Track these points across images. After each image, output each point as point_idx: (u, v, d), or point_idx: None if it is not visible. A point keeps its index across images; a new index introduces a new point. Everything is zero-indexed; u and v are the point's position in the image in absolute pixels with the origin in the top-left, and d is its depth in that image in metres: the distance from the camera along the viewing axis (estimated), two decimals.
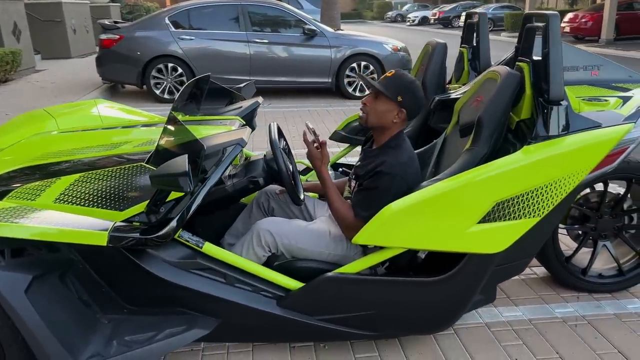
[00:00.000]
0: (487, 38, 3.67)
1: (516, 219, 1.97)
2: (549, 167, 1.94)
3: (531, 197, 1.95)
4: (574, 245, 2.91)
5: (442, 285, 2.07)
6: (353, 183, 2.24)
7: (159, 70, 7.96)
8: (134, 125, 2.80)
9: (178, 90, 8.00)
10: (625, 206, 2.74)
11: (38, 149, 2.50)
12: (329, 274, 2.05)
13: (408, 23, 34.81)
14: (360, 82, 8.38)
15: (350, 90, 8.40)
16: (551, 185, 1.95)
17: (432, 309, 2.15)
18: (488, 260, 2.06)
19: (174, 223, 1.90)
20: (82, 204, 2.03)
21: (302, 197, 2.27)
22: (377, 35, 9.06)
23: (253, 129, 2.95)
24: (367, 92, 8.37)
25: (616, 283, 2.80)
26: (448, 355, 2.30)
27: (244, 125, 2.72)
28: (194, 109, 2.78)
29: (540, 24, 2.16)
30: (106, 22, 8.34)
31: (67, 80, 9.54)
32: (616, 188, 2.75)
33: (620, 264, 2.79)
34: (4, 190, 2.13)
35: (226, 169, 2.03)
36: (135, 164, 2.23)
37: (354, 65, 8.31)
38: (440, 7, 33.02)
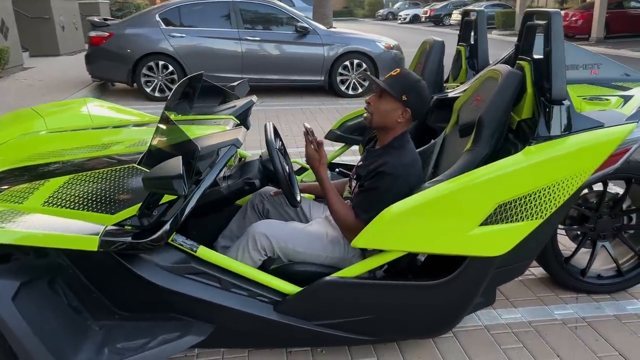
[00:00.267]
0: (485, 36, 3.62)
1: (518, 221, 1.93)
2: (552, 168, 1.90)
3: (534, 198, 1.91)
4: (572, 245, 2.89)
5: (443, 288, 2.03)
6: (354, 183, 2.19)
7: (150, 68, 7.86)
8: (125, 125, 2.73)
9: (169, 89, 7.91)
10: (624, 206, 2.71)
11: (26, 150, 2.42)
12: (327, 278, 1.99)
13: (399, 21, 34.79)
14: (354, 80, 8.33)
15: (343, 88, 8.35)
16: (554, 186, 1.91)
17: (432, 313, 2.10)
18: (489, 263, 2.02)
19: (167, 226, 1.84)
20: (71, 207, 1.96)
21: (298, 198, 2.22)
22: (369, 33, 9.01)
23: (247, 128, 2.89)
24: (360, 90, 8.38)
25: (615, 284, 2.78)
26: (447, 358, 2.26)
27: (238, 124, 2.66)
28: (186, 108, 2.72)
29: (542, 22, 2.11)
30: (95, 19, 8.22)
31: (55, 78, 9.40)
32: (609, 188, 2.71)
33: (619, 265, 2.77)
34: None
35: (221, 170, 1.98)
36: (126, 166, 2.17)
37: (347, 63, 8.25)
38: (431, 5, 33.02)
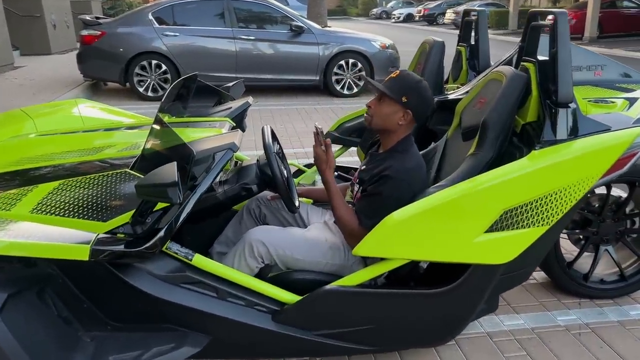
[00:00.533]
0: (486, 37, 3.56)
1: (524, 227, 1.87)
2: (558, 173, 1.85)
3: (540, 204, 1.85)
4: (573, 248, 2.84)
5: (446, 296, 1.97)
6: (356, 188, 2.12)
7: (143, 68, 7.75)
8: (118, 128, 2.66)
9: (162, 88, 7.81)
10: (627, 210, 2.67)
11: (14, 154, 2.34)
12: (327, 287, 1.93)
13: (393, 20, 34.75)
14: (350, 79, 8.26)
15: (338, 88, 8.28)
16: (561, 192, 1.86)
17: (435, 322, 2.04)
18: (494, 270, 1.97)
19: (161, 234, 1.77)
20: (61, 214, 1.88)
21: (297, 204, 2.15)
22: (364, 32, 8.95)
23: (243, 130, 2.82)
24: (355, 90, 8.32)
25: (618, 289, 2.73)
26: None
27: (234, 127, 2.59)
28: (181, 110, 2.64)
29: (547, 22, 2.06)
30: (87, 17, 8.10)
31: (47, 77, 9.27)
32: (611, 191, 2.67)
33: (622, 269, 2.72)
34: None
35: (217, 175, 1.91)
36: (119, 171, 2.09)
37: (342, 62, 8.19)
38: (425, 5, 32.99)
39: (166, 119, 2.34)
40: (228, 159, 1.94)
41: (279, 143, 2.28)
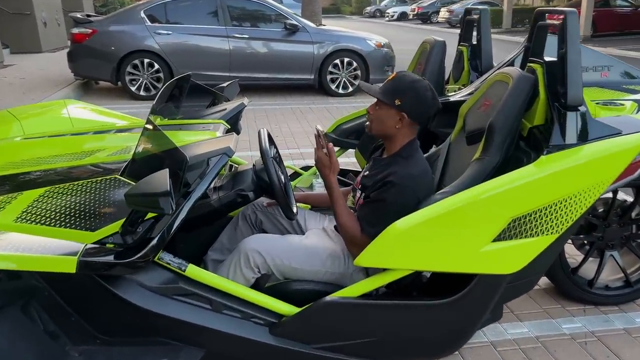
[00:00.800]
0: (489, 36, 3.48)
1: (533, 236, 1.79)
2: (569, 179, 1.77)
3: (549, 212, 1.78)
4: (576, 253, 2.78)
5: (451, 307, 1.89)
6: (358, 194, 2.04)
7: (135, 66, 7.63)
8: (108, 130, 2.56)
9: (155, 87, 7.69)
10: (633, 214, 2.60)
11: None
12: (328, 298, 1.84)
13: (387, 18, 34.67)
14: (345, 79, 8.17)
15: (333, 87, 8.19)
16: (571, 198, 1.78)
17: (439, 333, 1.97)
18: (500, 280, 1.89)
19: (153, 244, 1.68)
20: (47, 223, 1.78)
21: (295, 210, 2.06)
22: (358, 31, 8.87)
23: (238, 132, 2.73)
24: (350, 89, 8.24)
25: (624, 295, 2.67)
26: None
27: (229, 130, 2.50)
28: (173, 112, 2.55)
29: (555, 22, 1.98)
30: (78, 15, 7.96)
31: (37, 75, 9.12)
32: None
33: (627, 275, 2.66)
34: None
35: (211, 182, 1.82)
36: (108, 177, 2.00)
37: (337, 61, 8.10)
38: (419, 3, 32.93)
39: (158, 121, 2.25)
40: (223, 165, 1.86)
41: (275, 147, 2.19)
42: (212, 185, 2.11)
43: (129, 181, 1.97)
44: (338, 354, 1.91)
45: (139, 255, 1.67)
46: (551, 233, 1.81)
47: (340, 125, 3.33)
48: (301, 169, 3.37)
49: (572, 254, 2.84)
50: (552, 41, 2.18)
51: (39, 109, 3.05)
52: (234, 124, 2.71)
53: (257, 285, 1.99)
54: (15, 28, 12.02)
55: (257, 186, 2.04)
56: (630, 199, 2.63)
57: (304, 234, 2.23)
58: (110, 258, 1.68)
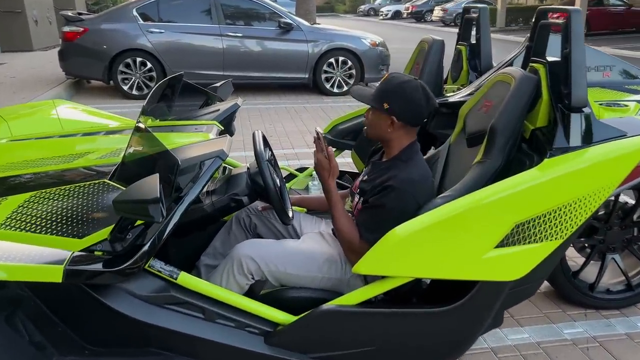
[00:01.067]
0: (488, 35, 3.42)
1: (537, 242, 1.74)
2: (574, 182, 1.72)
3: (554, 217, 1.72)
4: (575, 255, 2.73)
5: (452, 315, 1.83)
6: (356, 198, 1.97)
7: (127, 65, 7.53)
8: (97, 132, 2.48)
9: (147, 86, 7.59)
10: (634, 217, 2.56)
11: None
12: (325, 306, 1.78)
13: (381, 17, 34.62)
14: (339, 78, 8.11)
15: (328, 86, 8.13)
16: (576, 203, 1.73)
17: (440, 341, 1.91)
18: (503, 286, 1.84)
19: (144, 251, 1.62)
20: (32, 230, 1.71)
21: (290, 214, 2.00)
22: (353, 30, 8.81)
23: (231, 134, 2.66)
24: (345, 88, 8.18)
25: (625, 299, 2.63)
26: None
27: (222, 131, 2.43)
28: (165, 112, 2.48)
29: (558, 21, 1.93)
30: (69, 13, 7.85)
31: (28, 74, 9.00)
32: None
33: (629, 279, 2.61)
34: None
35: (204, 186, 1.75)
36: (97, 181, 1.92)
37: (332, 60, 8.03)
38: (413, 2, 32.91)
39: (149, 122, 2.18)
40: (216, 168, 1.79)
41: (270, 149, 2.12)
42: (205, 190, 2.04)
43: (119, 186, 1.90)
44: None
45: (128, 263, 1.61)
46: (555, 239, 1.75)
47: (336, 125, 3.27)
48: (296, 170, 3.31)
49: (571, 256, 2.80)
50: (551, 40, 2.14)
51: (27, 109, 2.97)
52: (227, 125, 2.63)
53: (251, 293, 1.93)
54: (6, 26, 11.88)
55: (252, 190, 1.97)
56: (631, 201, 2.58)
57: (299, 238, 2.17)
58: (98, 266, 1.61)
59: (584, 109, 1.83)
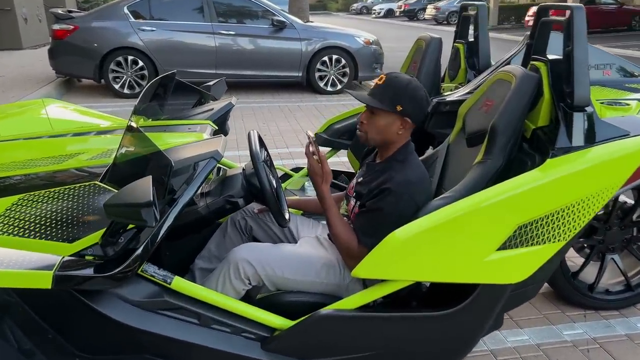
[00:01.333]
0: (486, 33, 3.38)
1: (539, 244, 1.70)
2: (578, 183, 1.68)
3: (557, 218, 1.69)
4: (574, 255, 2.70)
5: (453, 318, 1.79)
6: (353, 202, 1.93)
7: (118, 64, 7.44)
8: (88, 132, 2.42)
9: (139, 85, 7.51)
10: (634, 217, 2.53)
11: None
12: (324, 311, 1.74)
13: (373, 15, 34.62)
14: (333, 76, 8.06)
15: (321, 84, 8.08)
16: (579, 204, 1.69)
17: (440, 345, 1.87)
18: (504, 289, 1.80)
19: (136, 255, 1.56)
20: (20, 234, 1.65)
21: (287, 216, 1.95)
22: (347, 28, 8.76)
23: (225, 133, 2.61)
24: (339, 86, 8.12)
25: (624, 299, 2.60)
26: None
27: (216, 131, 2.38)
28: (157, 112, 2.42)
29: (560, 18, 1.89)
30: (59, 11, 7.75)
31: (17, 73, 8.88)
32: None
33: (628, 279, 2.59)
34: None
35: (198, 188, 1.70)
36: (87, 183, 1.86)
37: (325, 58, 7.98)
38: (406, 0, 32.93)
39: (141, 122, 2.12)
40: (211, 169, 1.74)
41: (266, 149, 2.07)
42: (199, 191, 1.99)
43: (110, 188, 1.84)
44: None
45: (120, 267, 1.55)
46: (558, 240, 1.72)
47: (332, 125, 3.22)
48: (292, 170, 3.26)
49: (570, 257, 2.77)
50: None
51: (15, 108, 2.90)
52: (221, 124, 2.58)
53: (247, 297, 1.88)
54: None
55: (247, 192, 1.92)
56: (630, 201, 2.56)
57: (296, 241, 2.12)
58: (89, 271, 1.55)
59: (586, 108, 1.80)
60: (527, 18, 19.26)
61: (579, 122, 1.78)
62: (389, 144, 1.86)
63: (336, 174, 3.10)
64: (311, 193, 3.00)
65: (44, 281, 1.49)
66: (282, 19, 7.94)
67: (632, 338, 2.40)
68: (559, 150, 1.76)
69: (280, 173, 3.26)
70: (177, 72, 2.52)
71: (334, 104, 7.39)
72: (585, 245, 2.61)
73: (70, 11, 7.95)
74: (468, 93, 2.73)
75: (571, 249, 2.67)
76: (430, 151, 2.34)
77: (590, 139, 1.78)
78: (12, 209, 1.75)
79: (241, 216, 2.20)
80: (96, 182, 1.87)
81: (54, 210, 1.75)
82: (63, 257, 1.57)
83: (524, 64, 2.13)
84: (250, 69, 7.86)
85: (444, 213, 1.64)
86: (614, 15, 18.67)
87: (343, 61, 8.04)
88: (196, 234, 2.09)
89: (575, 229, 1.73)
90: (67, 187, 1.85)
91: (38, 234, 1.66)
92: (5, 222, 1.69)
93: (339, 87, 8.11)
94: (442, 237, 1.64)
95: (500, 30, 19.80)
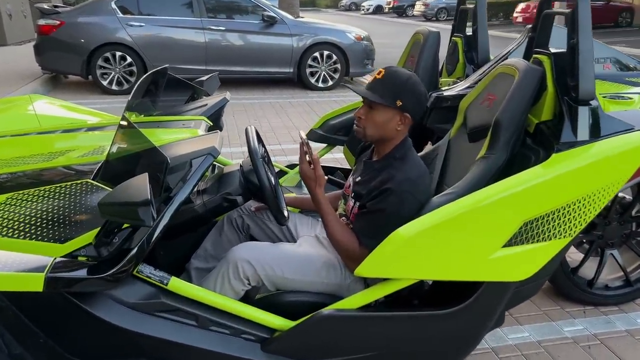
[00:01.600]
0: (485, 27, 3.34)
1: (545, 240, 1.67)
2: (584, 178, 1.65)
3: (563, 214, 1.66)
4: (572, 251, 2.69)
5: (457, 317, 1.76)
6: (351, 202, 1.88)
7: (106, 60, 7.32)
8: (78, 129, 2.35)
9: (127, 81, 7.40)
10: (633, 212, 2.52)
11: None
12: (325, 311, 1.69)
13: (362, 11, 34.54)
14: (325, 72, 8.00)
15: (312, 80, 8.02)
16: (585, 199, 1.66)
17: (443, 344, 1.83)
18: (509, 286, 1.77)
19: (131, 256, 1.51)
20: (9, 235, 1.59)
21: (286, 214, 1.90)
22: (338, 24, 8.70)
23: (220, 130, 2.55)
24: (330, 82, 8.06)
25: (624, 295, 2.59)
26: None
27: (211, 127, 2.33)
28: (149, 108, 2.35)
29: (564, 10, 1.85)
30: (45, 6, 7.60)
31: (2, 69, 8.72)
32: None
33: (627, 274, 2.58)
34: None
35: (195, 185, 1.64)
36: (79, 181, 1.80)
37: (317, 54, 7.92)
38: None
39: (133, 118, 2.06)
40: (208, 166, 1.68)
41: (264, 146, 2.01)
42: (195, 189, 1.93)
43: (103, 186, 1.78)
44: None
45: (115, 268, 1.50)
46: (564, 236, 1.69)
47: (327, 120, 3.16)
48: (287, 167, 3.20)
49: (568, 252, 2.75)
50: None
51: (1, 105, 2.82)
52: (215, 120, 2.53)
53: (246, 298, 1.83)
54: None
55: (246, 189, 1.87)
56: (629, 196, 2.54)
57: (295, 240, 2.07)
58: (82, 272, 1.50)
59: (591, 102, 1.77)
60: (515, 14, 19.32)
61: (584, 116, 1.75)
62: (386, 140, 1.81)
63: (332, 170, 3.05)
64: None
65: (35, 284, 1.43)
66: (272, 14, 7.86)
67: (633, 334, 2.39)
68: (563, 145, 1.73)
69: (275, 170, 3.20)
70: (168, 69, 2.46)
71: (325, 100, 7.34)
72: (585, 240, 2.59)
73: (56, 6, 7.81)
74: (468, 87, 2.70)
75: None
76: (429, 147, 2.29)
77: (596, 133, 1.75)
78: (1, 208, 1.68)
79: (238, 214, 2.15)
80: (88, 180, 1.80)
81: (44, 209, 1.68)
82: (55, 258, 1.51)
83: (526, 57, 2.10)
84: (240, 65, 7.77)
85: (449, 210, 1.60)
86: (600, 11, 18.76)
87: (334, 57, 7.98)
88: (192, 232, 2.03)
89: (581, 224, 1.70)
90: (58, 185, 1.79)
91: (28, 235, 1.59)
92: None
93: (330, 83, 8.05)
94: (447, 235, 1.60)
95: (488, 27, 19.80)
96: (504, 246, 1.64)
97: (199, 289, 1.69)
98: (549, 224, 1.65)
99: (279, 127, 5.84)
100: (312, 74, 8.02)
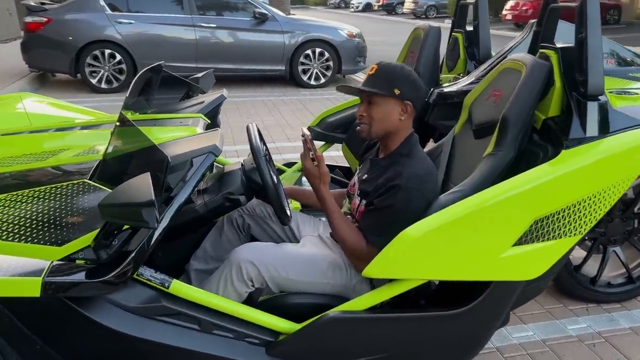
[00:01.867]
0: (486, 22, 3.30)
1: (555, 238, 1.64)
2: (596, 174, 1.62)
3: (574, 211, 1.62)
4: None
5: (465, 317, 1.72)
6: (357, 200, 1.84)
7: (95, 58, 7.20)
8: (71, 127, 2.28)
9: (117, 80, 7.29)
10: (635, 209, 2.50)
11: None
12: (331, 313, 1.64)
13: (352, 9, 34.49)
14: (317, 69, 7.94)
15: (305, 78, 7.96)
16: (596, 196, 1.63)
17: (450, 345, 1.80)
18: (517, 285, 1.74)
19: (132, 258, 1.45)
20: (4, 238, 1.52)
21: (289, 213, 1.85)
22: (329, 21, 8.66)
23: (217, 127, 2.49)
24: (322, 80, 8.01)
25: (626, 292, 2.58)
26: None
27: (209, 124, 2.27)
28: (144, 105, 2.29)
29: (572, 4, 1.82)
30: (31, 3, 7.46)
31: None
32: None
33: (630, 271, 2.56)
34: None
35: (196, 185, 1.59)
36: (75, 181, 1.74)
37: (309, 52, 7.86)
38: None
39: (128, 115, 1.99)
40: (209, 165, 1.63)
41: (265, 144, 1.96)
42: (196, 189, 1.88)
43: (100, 186, 1.72)
44: None
45: (115, 272, 1.45)
46: (574, 234, 1.65)
47: (325, 118, 3.11)
48: (284, 165, 3.15)
49: None
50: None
51: None
52: (212, 118, 2.47)
53: (249, 300, 1.78)
54: None
55: (248, 188, 1.82)
56: (630, 192, 2.52)
57: (297, 240, 2.03)
58: (81, 276, 1.44)
59: (600, 97, 1.74)
60: (504, 12, 19.38)
61: (593, 112, 1.72)
62: (392, 135, 1.78)
63: (331, 168, 3.01)
64: (308, 187, 2.90)
65: (32, 288, 1.37)
66: (263, 11, 7.79)
67: (637, 331, 2.37)
68: (572, 141, 1.70)
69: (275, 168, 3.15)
70: None
71: (318, 98, 7.29)
72: (587, 237, 2.57)
73: (43, 3, 7.66)
74: (472, 83, 2.66)
75: None
76: (431, 144, 2.26)
77: (605, 129, 1.72)
78: None
79: (238, 214, 2.09)
80: (85, 179, 1.74)
81: (40, 211, 1.62)
82: (52, 261, 1.46)
83: (531, 52, 2.07)
84: (231, 63, 7.69)
85: (458, 209, 1.57)
86: None
87: (326, 54, 7.93)
88: (192, 233, 1.97)
89: (592, 222, 1.67)
90: (53, 185, 1.72)
91: (24, 237, 1.53)
92: None
93: (323, 80, 8.00)
94: (457, 234, 1.57)
95: None
96: (515, 245, 1.60)
97: (201, 292, 1.64)
98: (560, 221, 1.62)
99: (272, 125, 5.78)
100: (305, 72, 7.96)
